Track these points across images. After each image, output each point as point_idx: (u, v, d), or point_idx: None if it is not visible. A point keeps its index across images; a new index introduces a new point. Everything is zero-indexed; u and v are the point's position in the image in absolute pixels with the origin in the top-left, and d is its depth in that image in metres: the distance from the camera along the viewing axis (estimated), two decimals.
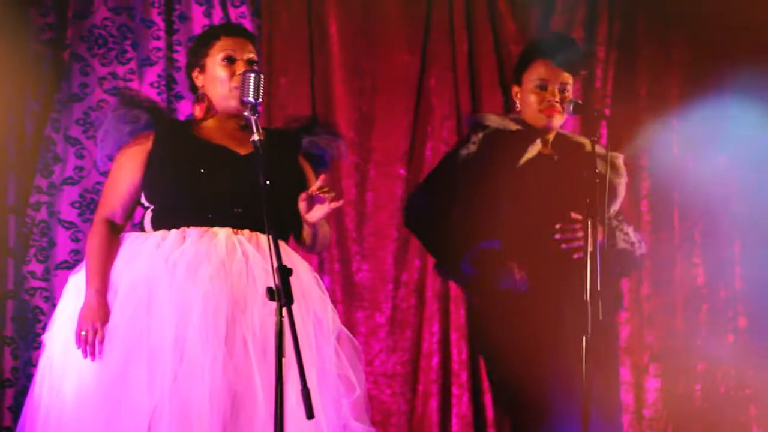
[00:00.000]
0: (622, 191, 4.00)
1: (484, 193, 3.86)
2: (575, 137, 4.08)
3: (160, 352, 3.14)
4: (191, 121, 3.53)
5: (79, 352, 3.23)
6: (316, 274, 3.50)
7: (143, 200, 3.44)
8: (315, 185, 3.30)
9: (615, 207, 3.94)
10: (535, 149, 3.88)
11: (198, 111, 3.50)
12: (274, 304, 2.89)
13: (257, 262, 3.25)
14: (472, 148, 3.92)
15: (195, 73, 3.52)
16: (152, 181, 3.39)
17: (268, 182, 2.95)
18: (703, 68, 5.57)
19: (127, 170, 3.41)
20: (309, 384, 2.78)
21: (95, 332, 3.22)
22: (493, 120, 3.99)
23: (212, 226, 3.31)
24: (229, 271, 3.23)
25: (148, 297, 3.22)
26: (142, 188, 3.42)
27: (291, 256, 3.37)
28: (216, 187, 3.34)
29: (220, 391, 3.11)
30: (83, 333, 3.23)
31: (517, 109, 4.02)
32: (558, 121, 3.95)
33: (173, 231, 3.32)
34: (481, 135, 3.94)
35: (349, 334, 3.48)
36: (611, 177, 3.78)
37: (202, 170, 3.35)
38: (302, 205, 3.32)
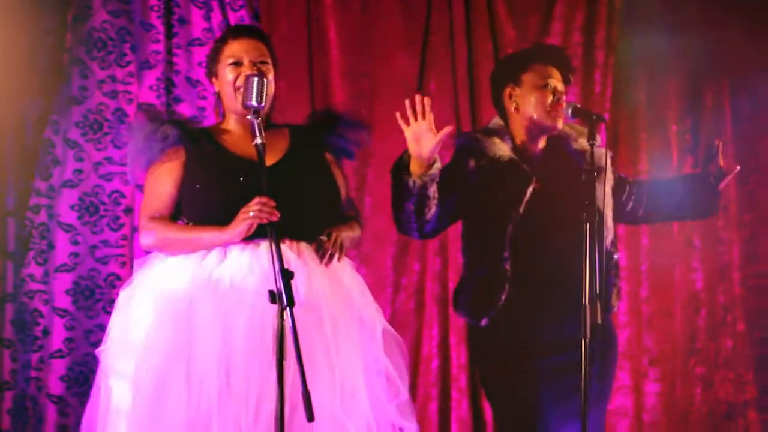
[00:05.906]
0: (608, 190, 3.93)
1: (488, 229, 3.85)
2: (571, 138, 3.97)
3: (205, 367, 3.13)
4: (215, 129, 3.51)
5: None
6: (358, 275, 3.50)
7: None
8: (320, 240, 3.34)
9: (609, 236, 3.86)
10: (530, 189, 3.82)
11: (216, 116, 3.53)
12: (315, 312, 3.05)
13: (298, 270, 3.19)
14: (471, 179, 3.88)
15: (213, 80, 3.53)
16: (189, 197, 3.38)
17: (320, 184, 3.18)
18: (700, 74, 5.58)
19: (164, 185, 3.40)
20: (357, 385, 2.95)
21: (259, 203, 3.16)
22: (490, 145, 3.90)
23: (252, 238, 3.26)
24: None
25: (188, 315, 3.20)
26: (180, 203, 3.41)
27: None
28: (251, 199, 3.22)
29: (268, 402, 3.07)
30: (253, 215, 3.17)
31: (515, 109, 3.91)
32: (561, 125, 3.91)
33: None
34: (473, 164, 3.88)
35: (393, 331, 3.48)
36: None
37: (237, 184, 3.31)
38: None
